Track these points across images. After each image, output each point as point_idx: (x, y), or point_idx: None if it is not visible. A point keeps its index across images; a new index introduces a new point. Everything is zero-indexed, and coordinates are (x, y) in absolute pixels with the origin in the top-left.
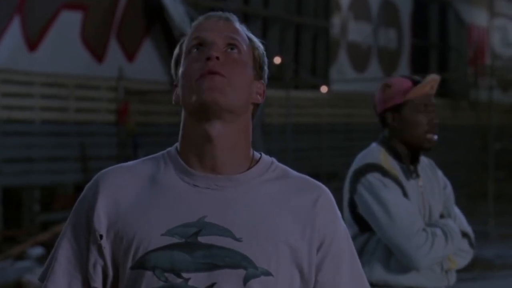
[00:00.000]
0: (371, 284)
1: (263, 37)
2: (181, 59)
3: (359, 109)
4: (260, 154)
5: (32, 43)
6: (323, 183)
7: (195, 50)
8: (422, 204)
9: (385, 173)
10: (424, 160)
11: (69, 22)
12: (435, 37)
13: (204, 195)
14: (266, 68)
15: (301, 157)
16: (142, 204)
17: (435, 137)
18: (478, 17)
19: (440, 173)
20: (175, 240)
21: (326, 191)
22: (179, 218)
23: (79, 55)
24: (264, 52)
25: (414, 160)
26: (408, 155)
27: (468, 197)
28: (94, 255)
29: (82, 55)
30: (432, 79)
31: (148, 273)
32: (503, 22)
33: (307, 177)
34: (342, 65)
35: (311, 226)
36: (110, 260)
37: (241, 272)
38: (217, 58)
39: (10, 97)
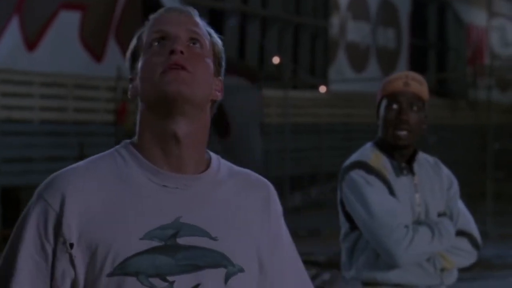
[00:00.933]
0: (362, 282)
1: (261, 37)
2: (139, 52)
3: (358, 109)
4: (207, 151)
5: (31, 43)
6: (323, 183)
7: (157, 43)
8: (416, 201)
9: (369, 170)
10: (427, 159)
11: (68, 22)
12: (433, 37)
13: (174, 195)
14: (224, 64)
15: (300, 157)
16: (114, 208)
17: (403, 133)
18: (477, 17)
19: (445, 172)
20: (154, 243)
21: (271, 186)
22: (155, 221)
23: (78, 55)
24: (223, 48)
25: (411, 158)
26: (401, 152)
27: (467, 197)
28: (62, 264)
29: (81, 55)
30: (405, 75)
31: (131, 279)
32: (502, 22)
33: (251, 171)
34: (340, 65)
35: (268, 221)
36: (83, 269)
37: (222, 271)
38: (181, 52)
39: (9, 97)
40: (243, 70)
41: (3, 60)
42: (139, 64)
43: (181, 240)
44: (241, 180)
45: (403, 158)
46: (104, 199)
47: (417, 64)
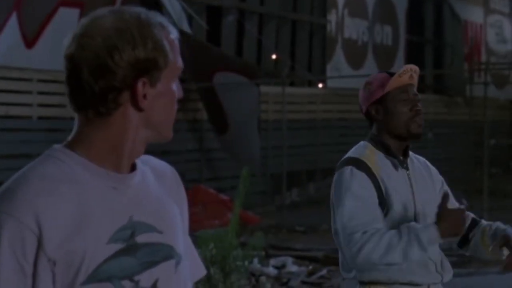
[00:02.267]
0: (363, 282)
1: (259, 33)
2: (160, 69)
3: (355, 105)
4: None
5: (30, 40)
6: (319, 179)
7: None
8: (412, 195)
9: (359, 166)
10: (418, 158)
11: (67, 19)
12: (430, 34)
13: (124, 195)
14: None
15: (296, 153)
16: (80, 216)
17: (421, 120)
18: (474, 14)
19: (434, 170)
20: (119, 246)
21: (173, 168)
22: (114, 223)
23: None
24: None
25: (404, 154)
26: (399, 147)
27: (463, 193)
28: (45, 282)
29: None
30: (410, 68)
31: (105, 285)
32: (498, 19)
33: (149, 156)
34: (338, 62)
35: (182, 203)
36: (59, 282)
37: (172, 262)
38: None
39: (7, 93)
40: (242, 67)
41: (1, 57)
42: (165, 87)
43: (138, 239)
44: (152, 168)
45: (400, 153)
46: (69, 209)
47: (414, 60)
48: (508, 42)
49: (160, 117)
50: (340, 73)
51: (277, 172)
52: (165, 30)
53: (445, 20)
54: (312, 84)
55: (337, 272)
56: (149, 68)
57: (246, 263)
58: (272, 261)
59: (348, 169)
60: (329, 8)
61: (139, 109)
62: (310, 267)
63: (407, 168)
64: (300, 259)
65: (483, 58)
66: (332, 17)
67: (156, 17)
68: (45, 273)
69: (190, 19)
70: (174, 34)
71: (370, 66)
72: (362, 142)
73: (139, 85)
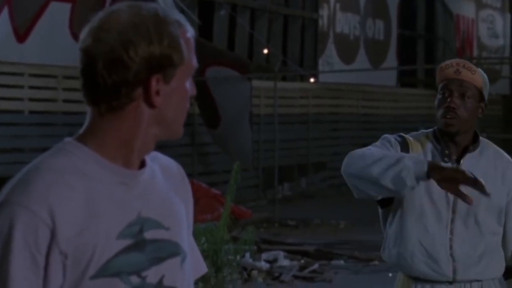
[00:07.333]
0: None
1: (251, 28)
2: (175, 63)
3: (346, 99)
4: None
5: (21, 34)
6: (311, 173)
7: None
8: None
9: (401, 142)
10: (497, 152)
11: (58, 13)
12: (422, 28)
13: (132, 191)
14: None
15: (288, 147)
16: (90, 211)
17: (450, 119)
18: (465, 8)
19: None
20: (127, 241)
21: (179, 165)
22: (124, 219)
23: (68, 46)
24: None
25: (466, 148)
26: (456, 140)
27: None
28: (56, 274)
29: (71, 46)
30: (456, 63)
31: (114, 280)
32: (490, 13)
33: (157, 152)
34: (330, 56)
35: (188, 201)
36: (68, 274)
37: (178, 259)
38: None
39: None
40: (233, 62)
41: None
42: (176, 84)
43: (146, 235)
44: (160, 164)
45: (457, 148)
46: (80, 202)
47: (406, 55)
48: (499, 37)
49: (172, 114)
50: (331, 68)
51: (269, 166)
52: (182, 28)
53: (437, 14)
54: (304, 78)
55: (329, 266)
56: (163, 64)
57: (238, 257)
58: (264, 255)
59: (390, 135)
60: (320, 2)
61: (151, 105)
62: (302, 261)
63: (457, 162)
64: (292, 253)
65: (475, 52)
66: (324, 11)
67: (173, 14)
68: (56, 266)
69: (182, 13)
70: (190, 33)
71: (361, 61)
72: (428, 130)
73: (153, 81)
